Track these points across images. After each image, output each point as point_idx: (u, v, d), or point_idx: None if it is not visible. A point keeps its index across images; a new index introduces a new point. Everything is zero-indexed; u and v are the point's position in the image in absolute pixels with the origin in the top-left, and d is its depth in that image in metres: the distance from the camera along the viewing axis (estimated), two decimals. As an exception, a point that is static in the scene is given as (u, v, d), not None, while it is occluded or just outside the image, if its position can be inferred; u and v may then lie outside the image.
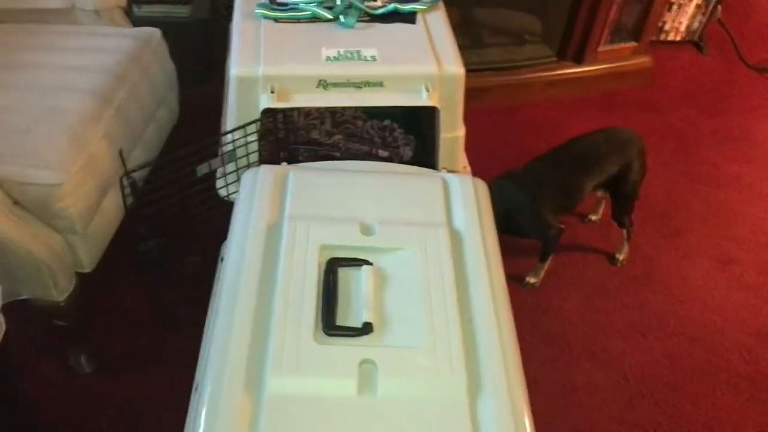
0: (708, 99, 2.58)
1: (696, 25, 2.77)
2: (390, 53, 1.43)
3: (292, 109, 1.59)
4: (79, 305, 1.44)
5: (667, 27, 2.76)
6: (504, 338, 1.00)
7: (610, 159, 1.74)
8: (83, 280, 1.45)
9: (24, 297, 1.38)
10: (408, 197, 1.18)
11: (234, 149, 1.39)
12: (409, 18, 1.54)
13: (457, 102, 1.47)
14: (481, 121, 2.35)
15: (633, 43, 2.50)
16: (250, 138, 1.39)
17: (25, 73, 1.45)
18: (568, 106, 2.45)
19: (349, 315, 0.99)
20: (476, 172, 1.87)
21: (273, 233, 1.08)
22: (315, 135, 1.71)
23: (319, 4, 1.50)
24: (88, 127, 1.36)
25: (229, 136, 1.38)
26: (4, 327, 1.18)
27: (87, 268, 1.43)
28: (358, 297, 1.01)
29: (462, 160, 1.61)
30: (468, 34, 2.41)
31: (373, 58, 1.41)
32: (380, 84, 1.40)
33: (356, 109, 1.68)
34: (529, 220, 1.72)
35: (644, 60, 2.54)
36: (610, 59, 2.49)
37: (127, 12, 1.85)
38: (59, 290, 1.37)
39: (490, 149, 2.25)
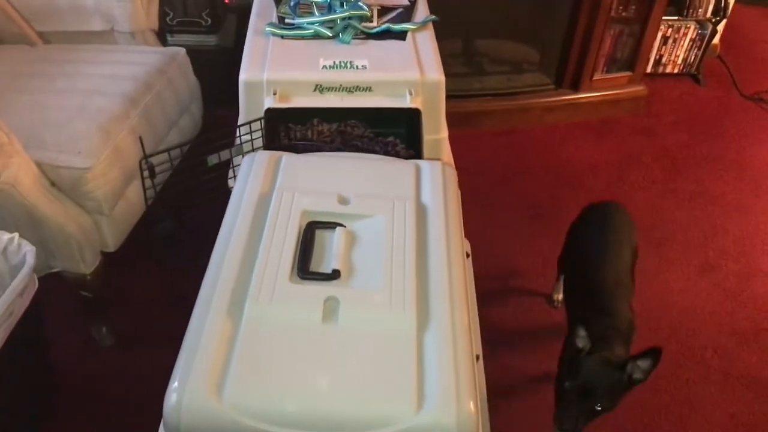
0: (702, 125, 2.71)
1: (692, 58, 2.93)
2: (379, 63, 1.63)
3: (306, 128, 1.79)
4: (102, 281, 1.63)
5: (664, 60, 2.93)
6: (453, 288, 1.15)
7: (629, 259, 1.58)
8: (108, 259, 1.65)
9: (56, 269, 1.58)
10: (383, 177, 1.36)
11: (241, 143, 1.59)
12: (400, 36, 1.74)
13: (439, 106, 1.66)
14: (480, 142, 2.55)
15: (628, 73, 2.67)
16: (255, 135, 1.59)
17: (66, 80, 1.69)
18: (564, 130, 2.62)
19: (322, 265, 1.16)
20: (473, 183, 2.04)
21: (263, 201, 1.27)
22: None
23: (321, 24, 1.72)
24: (116, 123, 1.58)
25: (238, 132, 1.58)
26: (36, 285, 1.38)
27: (111, 248, 1.63)
28: (331, 251, 1.18)
29: (446, 160, 1.78)
30: (469, 63, 2.61)
31: (364, 67, 1.61)
32: (369, 89, 1.60)
33: (364, 130, 1.88)
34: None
35: (639, 89, 2.70)
36: (605, 87, 2.66)
37: (161, 39, 2.11)
38: (86, 264, 1.57)
39: (486, 166, 2.42)
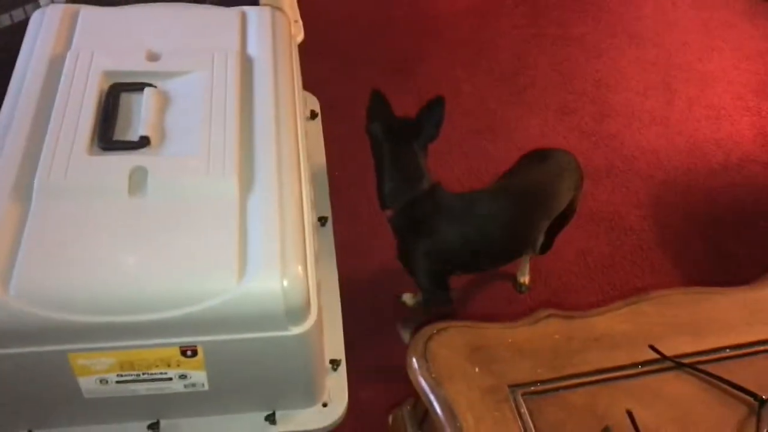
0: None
1: None
2: None
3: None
4: None
5: None
6: (283, 150, 1.04)
7: (563, 193, 1.43)
8: None
9: None
10: (201, 27, 1.20)
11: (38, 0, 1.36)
12: None
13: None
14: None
15: None
16: (53, -13, 1.36)
17: None
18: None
19: (128, 132, 1.02)
20: (333, 38, 1.87)
21: (55, 64, 1.08)
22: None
23: None
24: None
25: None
26: None
27: None
28: (139, 117, 1.04)
29: (288, 9, 1.61)
30: None
31: None
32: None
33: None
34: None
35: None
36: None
37: None
38: None
39: (347, 21, 2.26)
